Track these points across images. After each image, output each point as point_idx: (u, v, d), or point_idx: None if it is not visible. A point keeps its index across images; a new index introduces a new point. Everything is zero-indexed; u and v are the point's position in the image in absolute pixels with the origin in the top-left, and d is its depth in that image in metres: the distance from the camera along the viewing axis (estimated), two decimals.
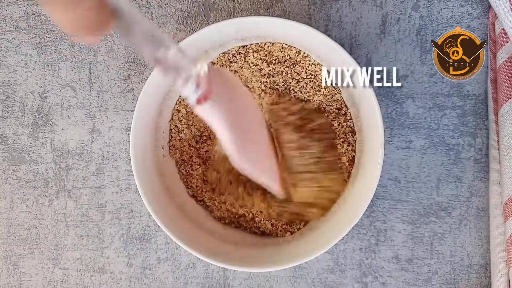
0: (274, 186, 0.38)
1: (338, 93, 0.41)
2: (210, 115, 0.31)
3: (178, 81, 0.28)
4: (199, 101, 0.30)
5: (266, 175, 0.37)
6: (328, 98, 0.41)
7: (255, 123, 0.36)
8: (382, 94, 0.44)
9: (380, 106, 0.37)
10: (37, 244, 0.46)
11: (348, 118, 0.41)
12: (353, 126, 0.41)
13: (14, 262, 0.46)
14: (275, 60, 0.41)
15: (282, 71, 0.42)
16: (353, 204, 0.39)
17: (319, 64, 0.41)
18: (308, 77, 0.41)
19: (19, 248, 0.46)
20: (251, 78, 0.42)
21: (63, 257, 0.46)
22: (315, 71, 0.41)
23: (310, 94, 0.41)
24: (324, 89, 0.41)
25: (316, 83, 0.41)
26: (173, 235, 0.38)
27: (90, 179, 0.46)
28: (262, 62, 0.41)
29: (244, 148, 0.33)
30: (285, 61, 0.41)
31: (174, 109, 0.42)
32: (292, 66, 0.41)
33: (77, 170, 0.46)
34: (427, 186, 0.44)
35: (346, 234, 0.40)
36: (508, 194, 0.41)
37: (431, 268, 0.44)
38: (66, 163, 0.46)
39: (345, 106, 0.41)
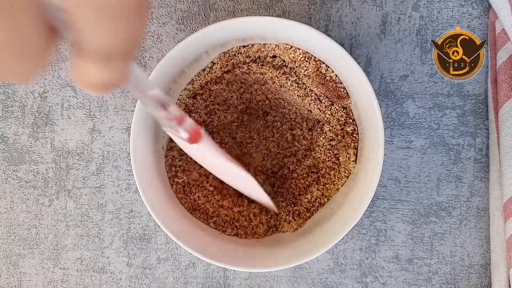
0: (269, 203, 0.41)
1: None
2: (203, 151, 0.36)
3: (175, 128, 0.33)
4: (192, 140, 0.34)
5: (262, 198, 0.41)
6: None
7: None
8: (382, 94, 0.44)
9: (380, 106, 0.37)
10: (37, 244, 0.46)
11: (349, 117, 0.41)
12: (355, 125, 0.41)
13: (14, 262, 0.46)
14: (277, 62, 0.42)
15: (285, 72, 0.42)
16: (353, 204, 0.39)
17: (321, 62, 0.41)
18: (311, 76, 0.41)
19: (19, 248, 0.46)
20: (253, 84, 0.42)
21: (63, 257, 0.46)
22: (317, 70, 0.41)
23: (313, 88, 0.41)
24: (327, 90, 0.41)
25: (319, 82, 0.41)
26: (173, 235, 0.38)
27: (90, 179, 0.46)
28: (268, 68, 0.41)
29: (234, 181, 0.40)
30: (288, 61, 0.41)
31: None
32: (295, 67, 0.41)
33: (77, 170, 0.46)
34: (427, 186, 0.44)
35: (346, 234, 0.40)
36: (508, 194, 0.41)
37: (431, 268, 0.44)
38: (66, 163, 0.46)
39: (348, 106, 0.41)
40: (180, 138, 0.33)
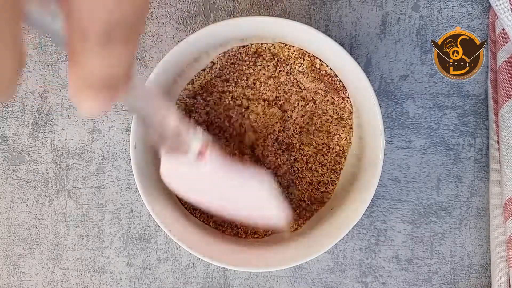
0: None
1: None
2: (213, 163, 0.32)
3: (180, 149, 0.30)
4: (200, 154, 0.31)
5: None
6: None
7: None
8: (382, 94, 0.44)
9: (380, 106, 0.37)
10: (37, 244, 0.46)
11: (349, 117, 0.41)
12: (352, 118, 0.41)
13: (14, 262, 0.46)
14: (277, 61, 0.42)
15: (281, 70, 0.42)
16: (353, 204, 0.39)
17: (315, 57, 0.41)
18: (305, 71, 0.41)
19: (19, 248, 0.46)
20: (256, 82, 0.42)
21: (63, 257, 0.46)
22: (312, 65, 0.41)
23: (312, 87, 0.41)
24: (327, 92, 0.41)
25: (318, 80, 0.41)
26: (173, 235, 0.38)
27: (90, 179, 0.46)
28: (268, 64, 0.41)
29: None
30: (284, 59, 0.41)
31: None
32: (294, 65, 0.41)
33: (77, 170, 0.46)
34: (427, 186, 0.44)
35: (346, 234, 0.40)
36: (508, 194, 0.41)
37: (431, 268, 0.44)
38: (66, 163, 0.46)
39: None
40: (191, 151, 0.30)
